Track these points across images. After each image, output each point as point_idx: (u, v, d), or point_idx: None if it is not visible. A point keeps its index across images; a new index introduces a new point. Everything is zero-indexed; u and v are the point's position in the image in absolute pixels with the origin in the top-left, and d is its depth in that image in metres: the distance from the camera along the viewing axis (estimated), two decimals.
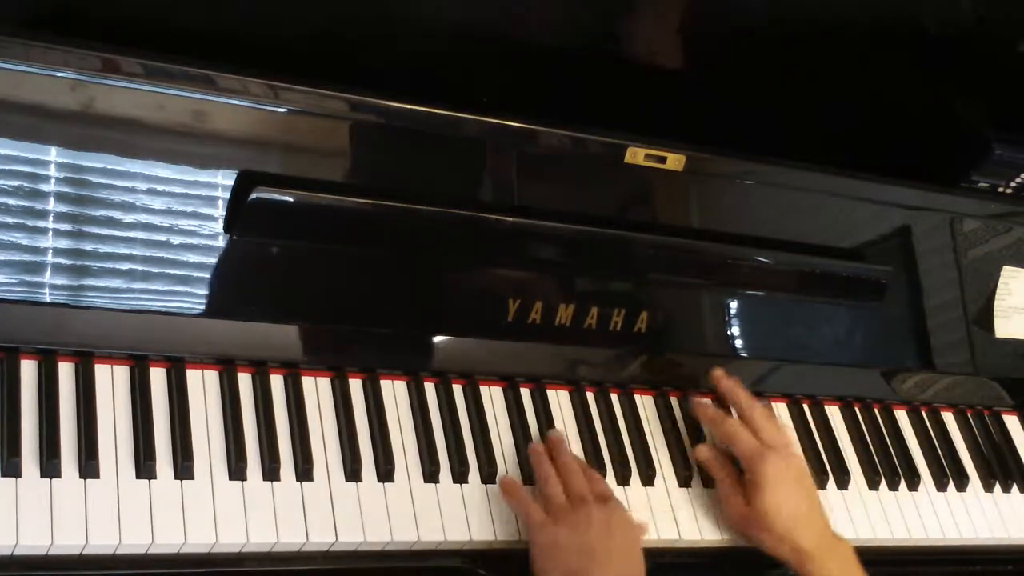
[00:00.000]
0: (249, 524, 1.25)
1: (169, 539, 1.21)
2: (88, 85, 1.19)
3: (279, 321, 1.36)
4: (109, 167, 1.23)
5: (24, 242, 1.21)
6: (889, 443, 1.69)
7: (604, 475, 1.46)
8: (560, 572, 1.31)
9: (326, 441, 1.34)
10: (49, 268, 1.23)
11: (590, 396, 1.53)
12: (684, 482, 1.51)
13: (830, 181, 1.58)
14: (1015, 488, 1.74)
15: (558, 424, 1.48)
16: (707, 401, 1.56)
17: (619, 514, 1.38)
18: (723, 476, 1.49)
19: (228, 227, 1.28)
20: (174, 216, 1.27)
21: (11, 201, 1.20)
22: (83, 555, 1.19)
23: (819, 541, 1.44)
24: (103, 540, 1.19)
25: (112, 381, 1.28)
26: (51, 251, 1.23)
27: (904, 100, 1.70)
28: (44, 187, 1.21)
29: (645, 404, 1.55)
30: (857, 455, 1.66)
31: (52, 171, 1.21)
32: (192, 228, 1.28)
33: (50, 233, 1.22)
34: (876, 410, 1.72)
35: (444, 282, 1.44)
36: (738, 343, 1.63)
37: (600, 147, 1.44)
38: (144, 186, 1.25)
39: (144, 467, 1.23)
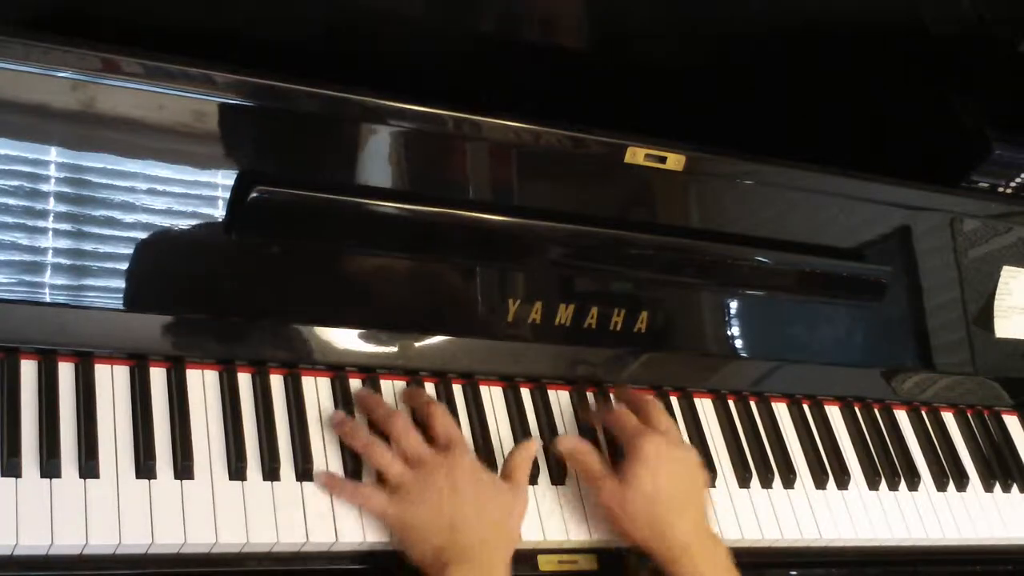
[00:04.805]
0: (249, 524, 1.25)
1: (169, 539, 1.21)
2: (88, 85, 1.19)
3: (279, 321, 1.36)
4: (109, 167, 1.23)
5: (24, 242, 1.21)
6: (889, 443, 1.69)
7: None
8: (427, 551, 1.25)
9: (326, 441, 1.34)
10: (49, 268, 1.23)
11: (590, 396, 1.53)
12: None
13: (830, 181, 1.58)
14: (1015, 488, 1.74)
15: (558, 424, 1.48)
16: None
17: (463, 462, 1.30)
18: (592, 460, 1.39)
19: (228, 227, 1.28)
20: (174, 216, 1.27)
21: (11, 201, 1.20)
22: (83, 555, 1.19)
23: (693, 537, 1.34)
24: (103, 540, 1.19)
25: (112, 381, 1.28)
26: (51, 251, 1.23)
27: (904, 100, 1.70)
28: (44, 187, 1.21)
29: None
30: (857, 455, 1.66)
31: (52, 171, 1.21)
32: (192, 228, 1.28)
33: (50, 233, 1.22)
34: (876, 410, 1.72)
35: (444, 282, 1.44)
36: (738, 343, 1.63)
37: (600, 147, 1.44)
38: (144, 186, 1.25)
39: (144, 467, 1.23)
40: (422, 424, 1.36)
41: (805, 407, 1.67)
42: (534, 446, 1.41)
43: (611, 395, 1.54)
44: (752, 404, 1.63)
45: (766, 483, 1.56)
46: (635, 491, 1.35)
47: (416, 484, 1.27)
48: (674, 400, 1.58)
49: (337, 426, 1.34)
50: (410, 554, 1.27)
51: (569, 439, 1.43)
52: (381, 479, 1.31)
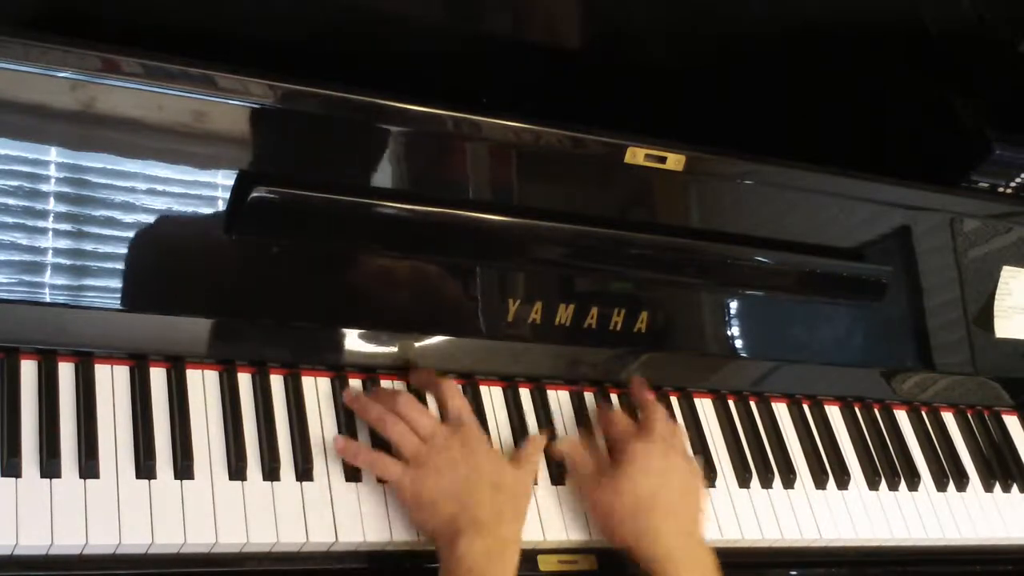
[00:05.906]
0: (249, 524, 1.25)
1: (169, 539, 1.21)
2: (88, 85, 1.19)
3: (279, 321, 1.36)
4: (109, 167, 1.23)
5: (24, 242, 1.21)
6: (889, 443, 1.69)
7: None
8: (437, 522, 1.27)
9: (326, 441, 1.34)
10: (49, 268, 1.23)
11: (589, 396, 1.53)
12: None
13: (830, 181, 1.58)
14: (1015, 488, 1.74)
15: (558, 424, 1.48)
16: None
17: (476, 435, 1.33)
18: (585, 463, 1.40)
19: (228, 227, 1.28)
20: (174, 216, 1.27)
21: (11, 201, 1.20)
22: (83, 555, 1.19)
23: (677, 543, 1.33)
24: (103, 540, 1.19)
25: (112, 381, 1.28)
26: (51, 251, 1.23)
27: (904, 100, 1.70)
28: (44, 187, 1.21)
29: None
30: (857, 455, 1.66)
31: (52, 171, 1.21)
32: (192, 228, 1.28)
33: (50, 233, 1.22)
34: (876, 410, 1.72)
35: (444, 282, 1.44)
36: (738, 343, 1.63)
37: (600, 147, 1.44)
38: (144, 186, 1.25)
39: (144, 467, 1.23)
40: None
41: (805, 407, 1.67)
42: (544, 438, 1.42)
43: (611, 395, 1.54)
44: (752, 404, 1.63)
45: (766, 483, 1.56)
46: (620, 495, 1.36)
47: (431, 455, 1.29)
48: (674, 400, 1.58)
49: (350, 402, 1.35)
50: (423, 526, 1.29)
51: (568, 440, 1.45)
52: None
